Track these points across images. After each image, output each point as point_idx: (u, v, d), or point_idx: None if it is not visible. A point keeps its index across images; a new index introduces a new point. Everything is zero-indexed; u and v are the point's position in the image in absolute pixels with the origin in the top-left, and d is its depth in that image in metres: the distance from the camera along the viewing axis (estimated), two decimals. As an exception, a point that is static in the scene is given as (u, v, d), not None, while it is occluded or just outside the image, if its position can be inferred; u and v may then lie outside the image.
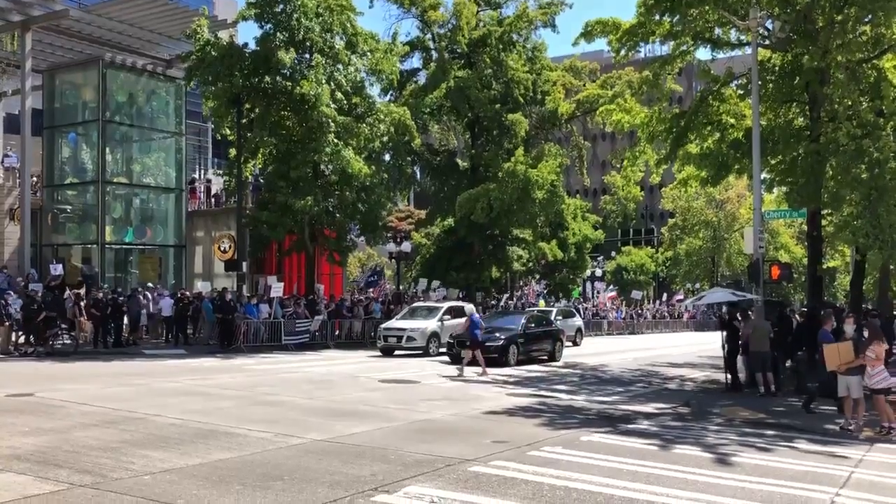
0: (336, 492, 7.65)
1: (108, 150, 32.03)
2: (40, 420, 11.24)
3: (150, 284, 28.96)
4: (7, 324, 22.39)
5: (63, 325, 23.46)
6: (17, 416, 11.56)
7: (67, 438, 9.90)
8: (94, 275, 29.76)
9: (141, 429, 10.75)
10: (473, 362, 20.35)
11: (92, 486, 7.63)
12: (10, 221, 30.23)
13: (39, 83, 32.58)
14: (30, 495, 7.22)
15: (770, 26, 21.57)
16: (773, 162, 21.91)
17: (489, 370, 20.41)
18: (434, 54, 40.29)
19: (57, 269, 26.97)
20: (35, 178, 32.12)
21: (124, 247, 33.36)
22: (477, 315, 21.62)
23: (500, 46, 39.51)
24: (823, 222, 22.97)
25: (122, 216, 33.65)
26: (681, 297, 66.89)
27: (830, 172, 19.88)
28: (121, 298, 25.31)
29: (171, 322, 26.62)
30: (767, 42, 21.67)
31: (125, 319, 25.44)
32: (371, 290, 37.12)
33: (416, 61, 41.91)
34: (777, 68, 21.95)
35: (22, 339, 22.95)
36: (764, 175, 22.51)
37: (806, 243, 27.83)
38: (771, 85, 21.71)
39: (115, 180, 32.69)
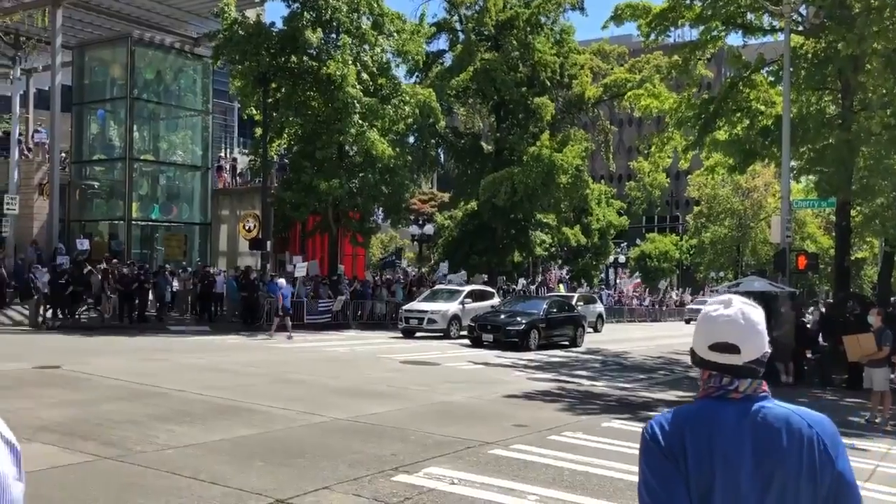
0: (357, 470, 7.69)
1: (135, 127, 32.24)
2: (67, 392, 11.41)
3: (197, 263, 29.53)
4: (36, 297, 22.74)
5: (89, 300, 23.78)
6: (45, 388, 11.75)
7: (93, 411, 10.04)
8: (121, 250, 30.10)
9: (165, 403, 10.87)
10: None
11: (117, 458, 7.73)
12: (39, 196, 30.60)
13: (69, 59, 32.80)
14: (57, 465, 7.34)
15: (804, 12, 21.20)
16: (802, 150, 21.61)
17: (509, 354, 20.46)
18: (461, 36, 40.09)
19: (83, 245, 27.29)
20: (64, 154, 32.44)
21: (150, 223, 33.66)
22: (286, 288, 23.91)
23: (528, 29, 39.21)
24: (853, 212, 22.64)
25: (149, 193, 33.92)
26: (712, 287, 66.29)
27: (861, 162, 19.58)
28: (143, 275, 25.55)
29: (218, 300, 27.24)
30: (801, 28, 21.32)
31: (151, 295, 25.72)
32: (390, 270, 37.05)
33: (442, 43, 41.80)
34: (810, 55, 21.59)
35: (50, 313, 23.31)
36: (792, 163, 22.21)
37: (833, 233, 27.43)
38: (803, 72, 21.35)
39: (142, 157, 32.91)
